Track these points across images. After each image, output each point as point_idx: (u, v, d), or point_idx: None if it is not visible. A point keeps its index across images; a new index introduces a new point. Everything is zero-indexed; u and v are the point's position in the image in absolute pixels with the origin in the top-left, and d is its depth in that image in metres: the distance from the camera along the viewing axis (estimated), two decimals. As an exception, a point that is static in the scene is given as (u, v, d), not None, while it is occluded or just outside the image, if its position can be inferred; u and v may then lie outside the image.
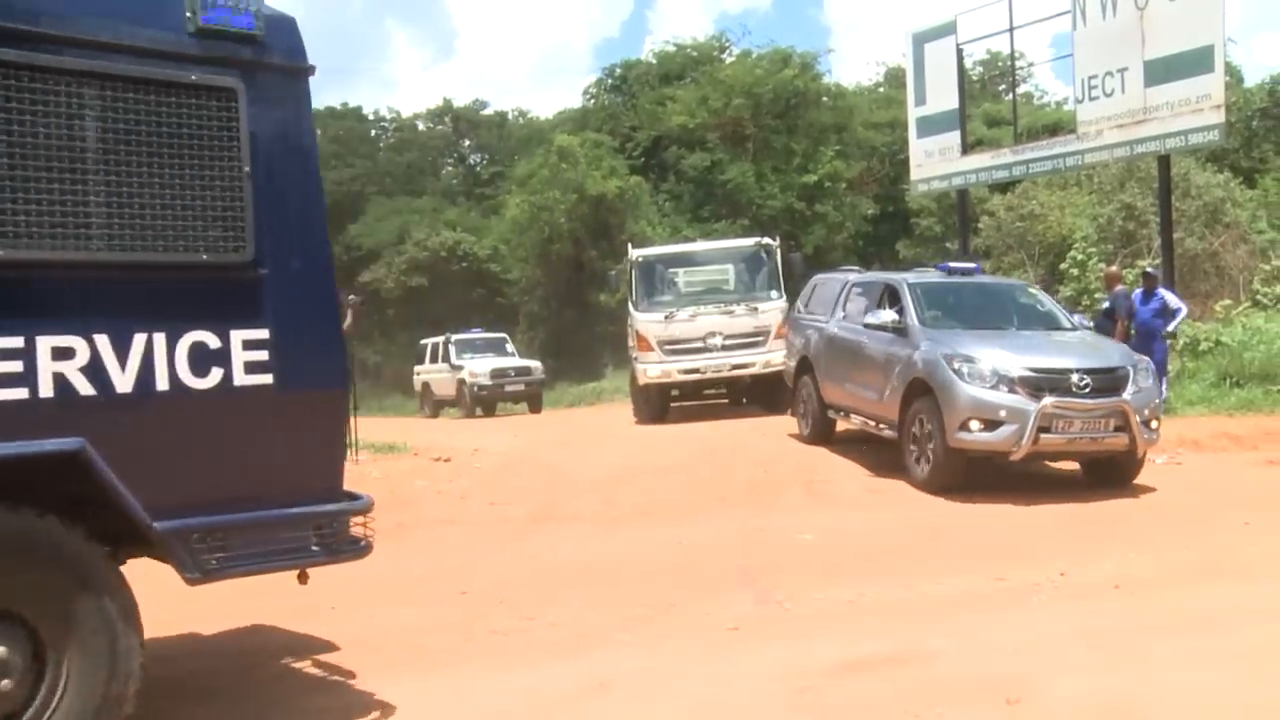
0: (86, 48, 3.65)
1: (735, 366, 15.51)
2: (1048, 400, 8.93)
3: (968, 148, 18.32)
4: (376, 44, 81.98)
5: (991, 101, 34.69)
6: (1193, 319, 15.81)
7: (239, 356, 3.92)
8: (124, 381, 3.69)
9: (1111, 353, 9.87)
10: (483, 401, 23.80)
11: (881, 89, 40.00)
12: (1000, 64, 33.65)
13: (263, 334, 3.98)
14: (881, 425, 10.43)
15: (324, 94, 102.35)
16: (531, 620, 6.01)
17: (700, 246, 18.67)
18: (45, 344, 3.54)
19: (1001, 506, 8.97)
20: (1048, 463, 10.53)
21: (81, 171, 3.62)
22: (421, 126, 51.88)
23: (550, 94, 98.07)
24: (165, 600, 4.59)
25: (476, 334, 26.37)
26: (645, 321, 15.74)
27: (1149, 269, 13.94)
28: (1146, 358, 10.28)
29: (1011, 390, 9.04)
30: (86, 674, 3.58)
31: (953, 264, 12.31)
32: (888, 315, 10.37)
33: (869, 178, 34.73)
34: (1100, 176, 25.08)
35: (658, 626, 5.84)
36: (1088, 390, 9.03)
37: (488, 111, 51.69)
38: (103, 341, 3.65)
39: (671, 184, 34.37)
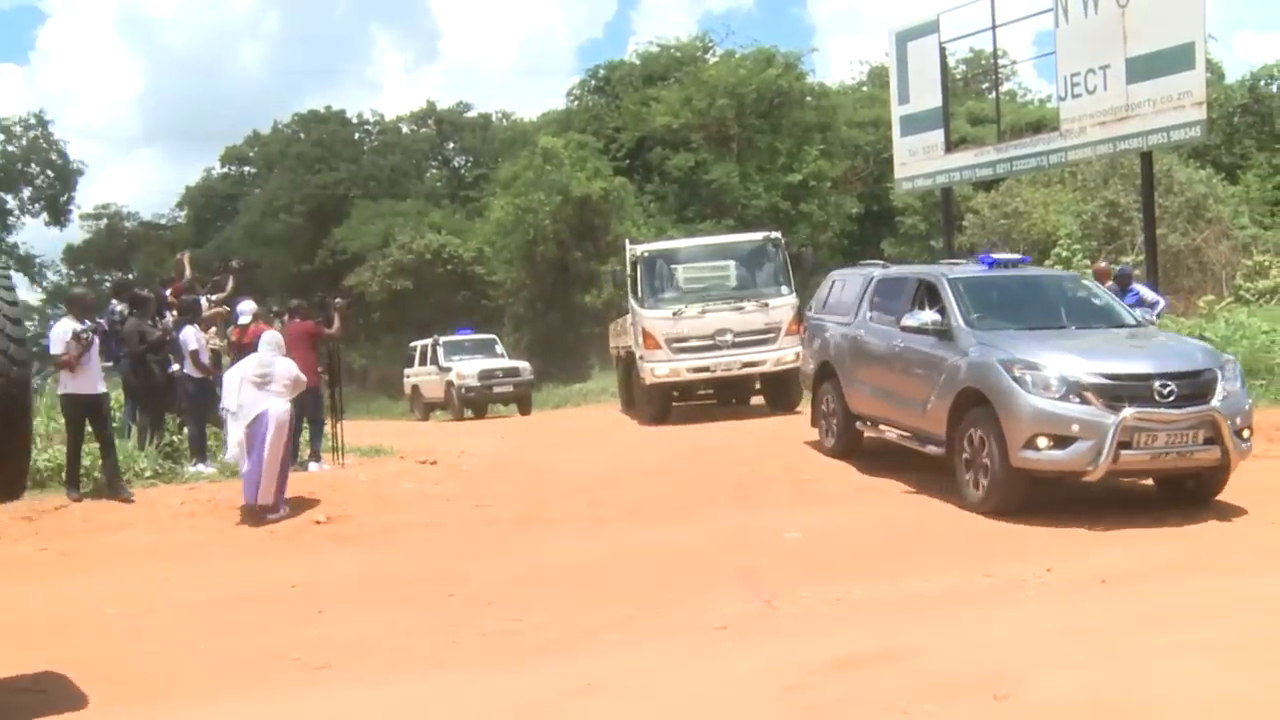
0: None
1: (746, 364, 15.04)
2: (1128, 412, 7.68)
3: (951, 146, 18.31)
4: (360, 47, 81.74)
5: (975, 100, 34.80)
6: (1176, 315, 15.86)
7: None
8: None
9: (1195, 353, 8.57)
10: (471, 403, 23.43)
11: (865, 88, 40.07)
12: (983, 62, 33.86)
13: None
14: (927, 442, 9.20)
15: (308, 98, 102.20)
16: (519, 622, 6.01)
17: (706, 241, 18.19)
18: None
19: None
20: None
21: None
22: (405, 129, 51.68)
23: (534, 96, 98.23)
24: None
25: (465, 335, 26.10)
26: (652, 319, 15.10)
27: (1117, 269, 13.76)
28: (1233, 357, 9.30)
29: (1084, 401, 7.85)
30: None
31: (997, 255, 10.84)
32: (928, 316, 9.21)
33: (853, 176, 34.86)
34: (1083, 173, 25.24)
35: (646, 627, 5.85)
36: (1172, 398, 7.79)
37: (471, 114, 51.53)
38: None
39: (656, 184, 34.36)
